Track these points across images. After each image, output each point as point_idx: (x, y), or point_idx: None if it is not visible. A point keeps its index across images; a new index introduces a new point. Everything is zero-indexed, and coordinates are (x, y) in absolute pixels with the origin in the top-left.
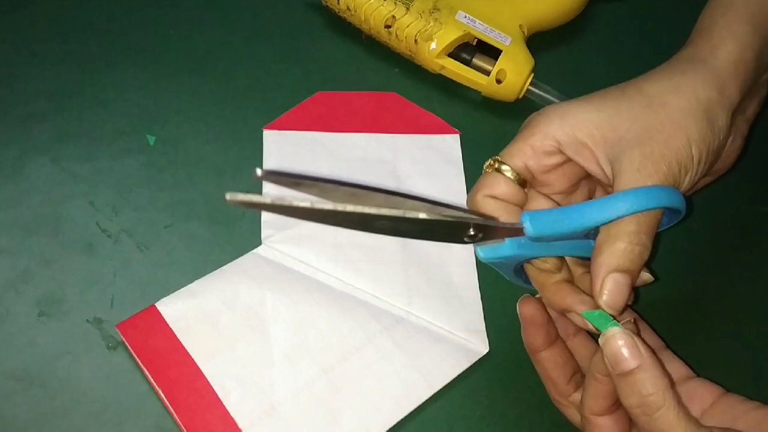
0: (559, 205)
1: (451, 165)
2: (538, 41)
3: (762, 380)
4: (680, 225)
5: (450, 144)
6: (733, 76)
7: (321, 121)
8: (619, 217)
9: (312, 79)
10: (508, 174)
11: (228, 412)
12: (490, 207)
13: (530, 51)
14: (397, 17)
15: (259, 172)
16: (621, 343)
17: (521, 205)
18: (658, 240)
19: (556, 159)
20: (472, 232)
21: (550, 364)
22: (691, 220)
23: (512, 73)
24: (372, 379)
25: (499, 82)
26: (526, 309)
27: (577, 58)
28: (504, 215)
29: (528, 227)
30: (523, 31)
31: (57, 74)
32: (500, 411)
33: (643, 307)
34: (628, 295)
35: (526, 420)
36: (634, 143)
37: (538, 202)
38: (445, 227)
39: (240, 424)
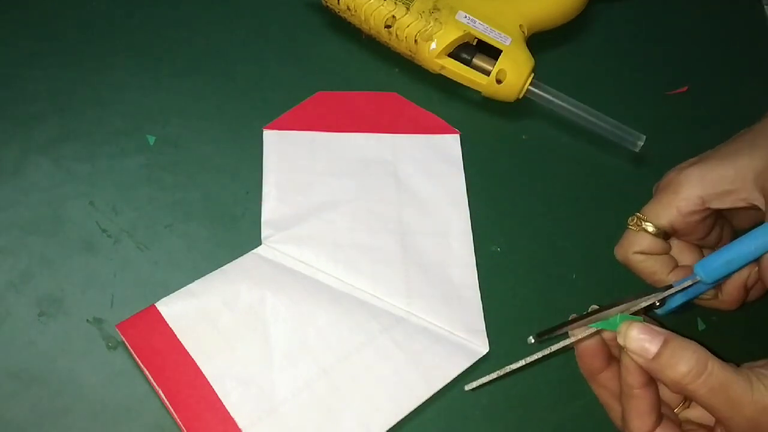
0: (700, 249)
1: (451, 165)
2: (538, 41)
3: None
4: None
5: (450, 144)
6: None
7: (321, 121)
8: None
9: (312, 79)
10: (651, 230)
11: (228, 412)
12: (642, 262)
13: (530, 51)
14: (397, 17)
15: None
16: (637, 331)
17: (667, 253)
18: None
19: (701, 215)
20: (657, 304)
21: (611, 383)
22: None
23: (512, 73)
24: (372, 379)
25: (499, 82)
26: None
27: (577, 58)
28: (660, 269)
29: (703, 277)
30: (523, 31)
31: (57, 74)
32: (500, 411)
33: None
34: None
35: (527, 420)
36: None
37: (682, 251)
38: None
39: (240, 424)
